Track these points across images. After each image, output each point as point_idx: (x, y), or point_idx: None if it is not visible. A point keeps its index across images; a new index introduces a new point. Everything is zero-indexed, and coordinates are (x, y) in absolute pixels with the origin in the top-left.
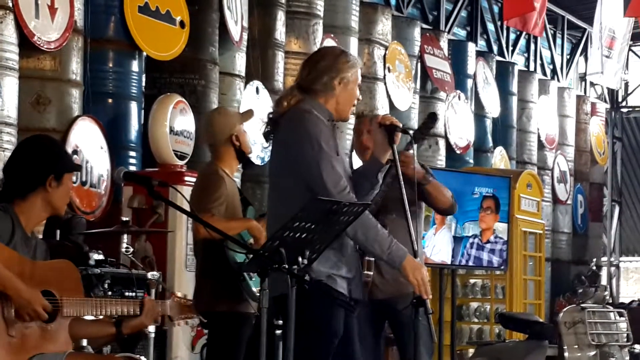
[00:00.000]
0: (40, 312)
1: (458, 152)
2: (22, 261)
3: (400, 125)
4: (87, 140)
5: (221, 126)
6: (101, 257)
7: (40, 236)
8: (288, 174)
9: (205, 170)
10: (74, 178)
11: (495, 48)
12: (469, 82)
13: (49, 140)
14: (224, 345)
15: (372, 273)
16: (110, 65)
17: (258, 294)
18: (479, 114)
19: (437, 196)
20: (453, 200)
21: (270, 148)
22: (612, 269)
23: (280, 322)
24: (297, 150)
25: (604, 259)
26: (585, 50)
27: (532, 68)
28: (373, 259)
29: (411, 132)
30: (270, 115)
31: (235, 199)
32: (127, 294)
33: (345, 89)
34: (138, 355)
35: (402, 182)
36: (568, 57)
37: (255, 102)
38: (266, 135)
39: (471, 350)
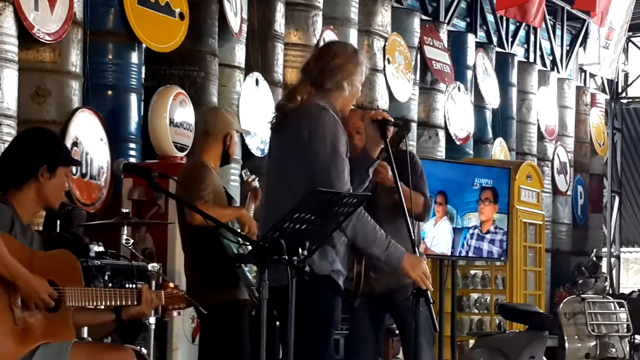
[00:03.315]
0: (48, 300)
1: (458, 143)
2: (24, 251)
3: (392, 120)
4: (86, 132)
5: (224, 120)
6: (101, 249)
7: (41, 228)
8: (297, 166)
9: (192, 162)
10: (74, 171)
11: (494, 39)
12: (469, 73)
13: (46, 133)
14: (227, 337)
15: (361, 271)
16: (110, 57)
17: (254, 280)
18: (479, 105)
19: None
20: (423, 210)
21: (272, 139)
22: (612, 259)
23: (275, 312)
24: (311, 147)
25: (604, 249)
26: (585, 41)
27: (531, 59)
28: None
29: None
30: (283, 108)
31: (221, 191)
32: (127, 285)
33: (352, 90)
34: (138, 347)
35: (395, 170)
36: (568, 48)
37: (254, 93)
38: (274, 126)
39: (471, 341)
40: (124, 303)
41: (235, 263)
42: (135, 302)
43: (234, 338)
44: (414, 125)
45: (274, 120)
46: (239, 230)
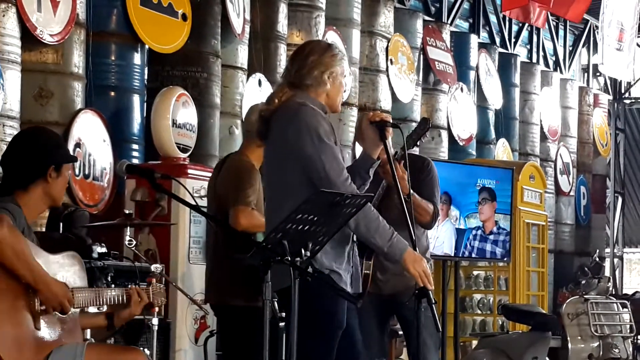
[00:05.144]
0: (66, 306)
1: (461, 144)
2: (38, 254)
3: (390, 121)
4: (89, 134)
5: None
6: (104, 250)
7: (44, 229)
8: (290, 168)
9: (239, 161)
10: (76, 170)
11: (497, 40)
12: (472, 74)
13: (47, 132)
14: (243, 342)
15: (371, 263)
16: (113, 58)
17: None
18: (482, 105)
19: (414, 214)
20: (430, 219)
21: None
22: (615, 260)
23: (284, 314)
24: (298, 144)
25: (607, 250)
26: (587, 41)
27: (534, 60)
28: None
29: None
30: (262, 113)
31: (262, 195)
32: (130, 286)
33: (334, 83)
34: (141, 348)
35: (395, 174)
36: (570, 48)
37: (257, 94)
38: (260, 134)
39: (474, 342)
40: (118, 301)
41: (259, 270)
42: (127, 301)
43: (251, 345)
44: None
45: (258, 128)
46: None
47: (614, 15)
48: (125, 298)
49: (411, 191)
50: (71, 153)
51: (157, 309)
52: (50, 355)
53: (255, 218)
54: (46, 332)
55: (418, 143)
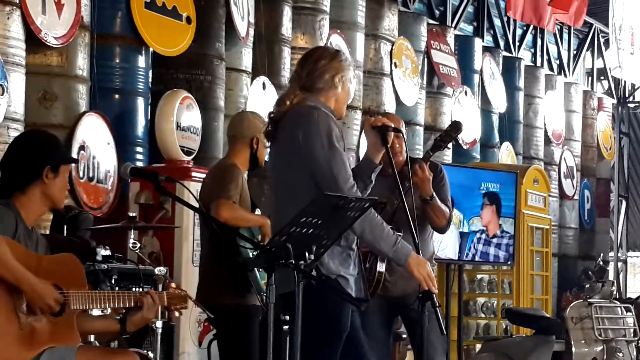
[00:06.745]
0: (53, 305)
1: (465, 147)
2: (29, 255)
3: (392, 125)
4: (93, 136)
5: (250, 124)
6: (108, 252)
7: (47, 232)
8: (297, 170)
9: (223, 163)
10: (80, 173)
11: (501, 43)
12: (476, 77)
13: (43, 134)
14: (236, 341)
15: (383, 270)
16: (117, 61)
17: (264, 287)
18: (486, 109)
19: (432, 217)
20: (445, 223)
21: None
22: (619, 264)
23: (288, 317)
24: (308, 147)
25: (611, 254)
26: (592, 45)
27: (538, 63)
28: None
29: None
30: (272, 115)
31: (247, 196)
32: (134, 289)
33: (344, 88)
34: (145, 351)
35: (397, 177)
36: (575, 52)
37: (261, 97)
38: (268, 135)
39: (478, 346)
40: (127, 305)
41: (246, 267)
42: (138, 305)
43: (242, 343)
44: (420, 130)
45: (268, 129)
46: (259, 237)
47: (625, 20)
48: (130, 300)
49: (434, 194)
50: (72, 155)
51: (177, 314)
52: (42, 357)
53: (236, 211)
54: (35, 332)
55: (449, 146)
